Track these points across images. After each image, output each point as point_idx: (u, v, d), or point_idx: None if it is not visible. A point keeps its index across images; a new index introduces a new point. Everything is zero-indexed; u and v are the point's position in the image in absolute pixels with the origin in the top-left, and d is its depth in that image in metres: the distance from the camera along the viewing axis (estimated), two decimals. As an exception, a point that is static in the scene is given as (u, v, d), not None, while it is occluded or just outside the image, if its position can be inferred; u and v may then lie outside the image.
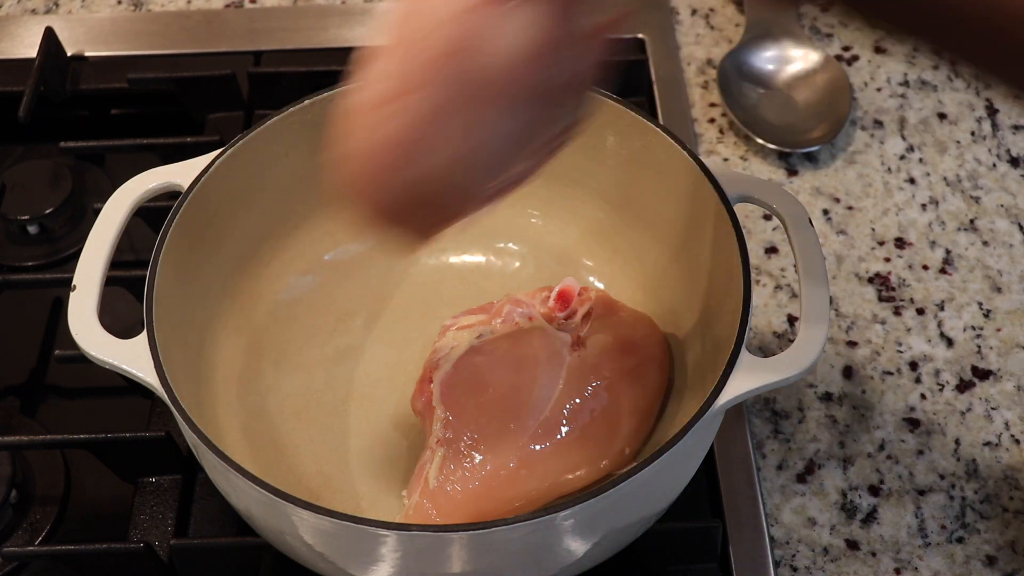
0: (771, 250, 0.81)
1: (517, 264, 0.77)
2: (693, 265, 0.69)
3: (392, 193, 0.52)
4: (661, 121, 0.67)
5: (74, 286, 0.61)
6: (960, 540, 0.67)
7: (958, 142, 0.87)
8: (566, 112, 0.54)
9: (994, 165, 0.85)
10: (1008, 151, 0.86)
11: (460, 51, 0.48)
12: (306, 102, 0.69)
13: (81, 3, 1.00)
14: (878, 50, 0.93)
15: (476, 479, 0.61)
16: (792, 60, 0.90)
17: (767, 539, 0.66)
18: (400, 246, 0.56)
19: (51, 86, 0.90)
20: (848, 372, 0.74)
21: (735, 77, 0.89)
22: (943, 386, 0.74)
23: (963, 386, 0.74)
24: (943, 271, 0.79)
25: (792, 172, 0.85)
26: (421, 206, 0.53)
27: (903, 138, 0.87)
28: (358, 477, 0.67)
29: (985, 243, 0.81)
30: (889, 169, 0.85)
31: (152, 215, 0.70)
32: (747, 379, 0.56)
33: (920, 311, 0.77)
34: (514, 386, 0.64)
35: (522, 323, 0.68)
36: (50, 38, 0.91)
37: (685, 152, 0.66)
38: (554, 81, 0.51)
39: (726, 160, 0.86)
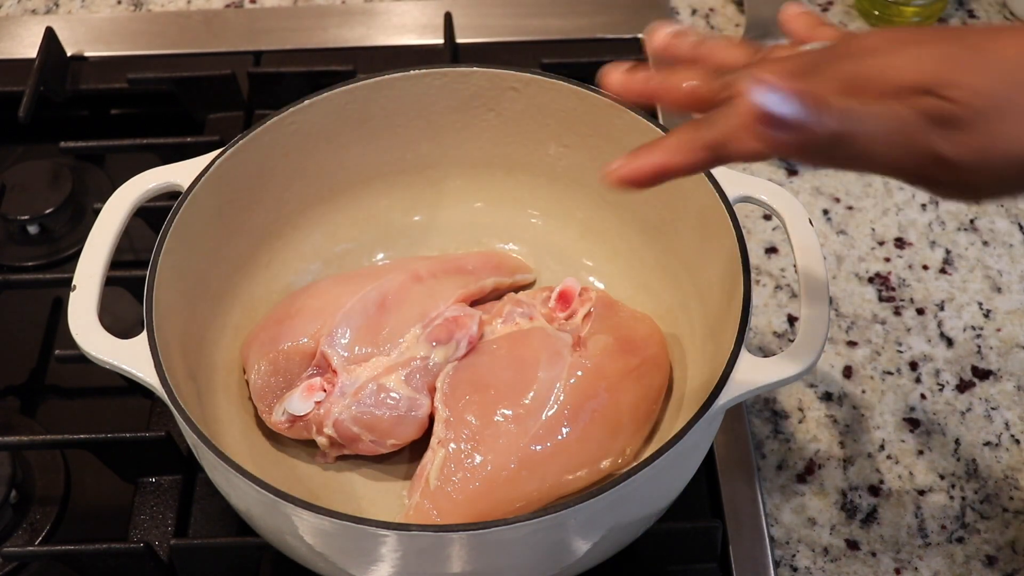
0: (771, 250, 0.81)
1: (517, 264, 0.77)
2: (693, 265, 0.69)
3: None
4: (661, 121, 0.67)
5: (74, 286, 0.61)
6: (960, 540, 0.67)
7: (958, 142, 0.87)
8: None
9: (994, 165, 0.85)
10: (1008, 151, 0.86)
11: None
12: (306, 102, 0.69)
13: (81, 3, 1.00)
14: (878, 50, 0.93)
15: (477, 479, 0.61)
16: (792, 60, 0.90)
17: (767, 539, 0.66)
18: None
19: (51, 86, 0.90)
20: (848, 372, 0.74)
21: (735, 77, 0.89)
22: (943, 386, 0.73)
23: (963, 386, 0.73)
24: (943, 271, 0.79)
25: (792, 172, 0.85)
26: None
27: (903, 138, 0.87)
28: (358, 477, 0.67)
29: (985, 243, 0.81)
30: (889, 169, 0.85)
31: (152, 215, 0.70)
32: (747, 379, 0.56)
33: (920, 311, 0.77)
34: (515, 387, 0.64)
35: (522, 323, 0.68)
36: (50, 38, 0.91)
37: (685, 152, 0.66)
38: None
39: (726, 160, 0.86)
